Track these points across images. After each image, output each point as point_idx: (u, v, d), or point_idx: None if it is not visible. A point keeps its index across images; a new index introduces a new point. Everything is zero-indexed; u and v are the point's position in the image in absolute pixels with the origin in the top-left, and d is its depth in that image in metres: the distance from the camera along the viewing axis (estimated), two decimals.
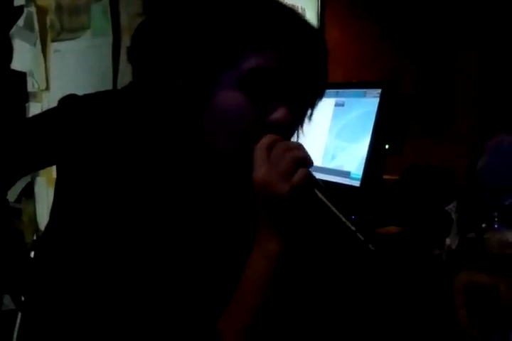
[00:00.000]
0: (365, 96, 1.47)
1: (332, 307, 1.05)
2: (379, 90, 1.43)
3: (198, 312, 0.76)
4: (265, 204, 0.76)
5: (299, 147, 0.76)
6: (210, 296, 0.78)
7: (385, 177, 1.47)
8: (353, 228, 0.71)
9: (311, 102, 0.85)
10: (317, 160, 0.77)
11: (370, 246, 0.71)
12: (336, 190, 0.76)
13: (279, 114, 0.78)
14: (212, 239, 0.82)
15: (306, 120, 0.86)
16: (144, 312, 0.75)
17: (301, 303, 0.93)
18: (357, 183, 1.41)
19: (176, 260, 0.77)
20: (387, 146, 1.45)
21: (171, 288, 0.76)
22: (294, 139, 0.85)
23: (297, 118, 0.83)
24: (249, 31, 0.78)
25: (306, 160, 0.75)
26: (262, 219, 0.77)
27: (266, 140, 0.76)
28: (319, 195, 0.74)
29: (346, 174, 1.45)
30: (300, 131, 0.86)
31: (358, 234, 0.71)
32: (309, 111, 0.85)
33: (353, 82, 1.71)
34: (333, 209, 0.73)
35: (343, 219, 0.72)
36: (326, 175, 1.47)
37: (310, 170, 0.75)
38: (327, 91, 0.86)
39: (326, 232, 0.94)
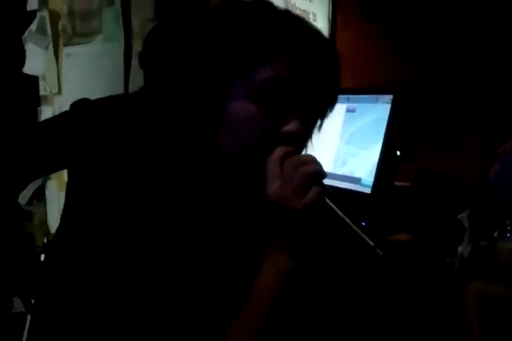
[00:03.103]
0: (376, 102, 1.46)
1: (344, 318, 1.04)
2: (390, 96, 1.42)
3: (208, 322, 0.76)
4: (277, 219, 0.76)
5: (311, 161, 0.76)
6: (219, 306, 0.77)
7: (396, 183, 1.46)
8: (372, 243, 0.71)
9: (322, 112, 0.84)
10: (328, 166, 0.76)
11: (389, 261, 0.70)
12: (346, 197, 0.76)
13: (291, 125, 0.78)
14: (223, 247, 0.81)
15: (316, 130, 0.86)
16: (154, 321, 0.75)
17: (312, 314, 0.93)
18: (368, 190, 1.40)
19: (186, 268, 0.77)
20: (398, 153, 1.44)
21: (181, 298, 0.76)
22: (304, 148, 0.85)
23: (308, 129, 0.83)
24: (262, 41, 0.78)
25: (318, 175, 0.75)
26: (274, 233, 0.77)
27: (278, 153, 0.76)
28: (337, 211, 0.73)
29: (357, 180, 1.44)
30: (310, 141, 0.86)
31: (377, 250, 0.70)
32: (319, 122, 0.85)
33: (364, 87, 1.70)
34: (352, 224, 0.72)
35: (362, 235, 0.71)
36: (337, 182, 1.46)
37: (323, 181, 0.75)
38: (338, 96, 0.86)
39: (340, 246, 0.93)
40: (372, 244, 0.71)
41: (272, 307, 0.76)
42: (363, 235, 0.71)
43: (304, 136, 0.82)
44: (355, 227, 0.72)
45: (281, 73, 0.77)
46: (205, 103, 0.81)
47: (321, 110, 0.84)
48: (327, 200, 0.74)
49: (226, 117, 0.79)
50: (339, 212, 0.73)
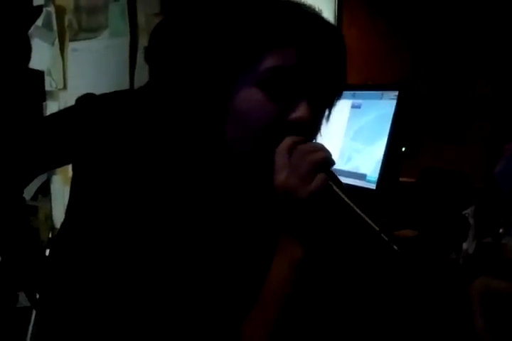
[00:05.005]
0: (382, 98, 1.46)
1: (353, 309, 1.04)
2: (396, 92, 1.42)
3: (222, 316, 0.76)
4: (286, 209, 0.75)
5: (320, 148, 0.75)
6: (232, 301, 0.77)
7: (401, 179, 1.46)
8: (377, 228, 0.70)
9: (330, 101, 0.84)
10: None
11: (394, 246, 0.70)
12: (351, 193, 0.75)
13: (300, 112, 0.77)
14: (234, 241, 0.81)
15: (324, 121, 0.85)
16: (166, 316, 0.75)
17: (323, 305, 0.92)
18: (373, 186, 1.39)
19: (197, 263, 0.77)
20: (403, 149, 1.44)
21: (194, 293, 0.76)
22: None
23: (317, 118, 0.82)
24: (269, 29, 0.78)
25: (326, 163, 0.74)
26: (283, 223, 0.77)
27: (286, 142, 0.76)
28: (343, 196, 0.73)
29: (362, 176, 1.44)
30: (318, 133, 0.85)
31: (382, 235, 0.70)
32: (327, 112, 0.85)
33: (370, 83, 1.70)
34: (357, 210, 0.72)
35: (367, 220, 0.71)
36: (342, 178, 1.45)
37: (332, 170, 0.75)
38: (343, 92, 0.86)
39: (348, 233, 0.93)
40: (377, 229, 0.70)
41: (285, 298, 0.76)
42: (369, 221, 0.71)
43: (313, 124, 0.80)
44: (361, 213, 0.71)
45: (288, 61, 0.77)
46: (212, 96, 0.81)
47: (329, 98, 0.83)
48: (334, 187, 0.73)
49: (234, 107, 0.79)
50: (346, 199, 0.72)
